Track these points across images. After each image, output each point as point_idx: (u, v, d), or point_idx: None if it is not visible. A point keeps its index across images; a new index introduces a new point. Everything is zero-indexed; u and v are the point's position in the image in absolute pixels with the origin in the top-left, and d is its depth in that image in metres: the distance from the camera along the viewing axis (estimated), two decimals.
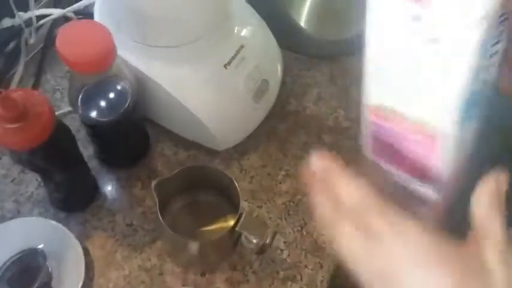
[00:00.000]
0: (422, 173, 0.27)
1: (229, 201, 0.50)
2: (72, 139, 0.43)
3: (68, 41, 0.38)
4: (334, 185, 0.28)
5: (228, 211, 0.51)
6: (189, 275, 0.50)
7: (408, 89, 0.25)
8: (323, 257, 0.52)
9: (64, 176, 0.45)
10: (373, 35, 0.24)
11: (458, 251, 0.25)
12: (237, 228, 0.45)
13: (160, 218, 0.44)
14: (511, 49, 0.23)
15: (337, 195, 0.28)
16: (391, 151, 0.28)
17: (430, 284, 0.25)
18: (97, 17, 0.48)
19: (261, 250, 0.47)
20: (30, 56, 0.58)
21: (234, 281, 0.50)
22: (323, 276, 0.52)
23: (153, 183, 0.44)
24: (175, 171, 0.47)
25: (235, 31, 0.52)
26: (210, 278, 0.50)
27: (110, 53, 0.39)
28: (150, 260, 0.51)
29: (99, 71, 0.40)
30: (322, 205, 0.28)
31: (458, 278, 0.24)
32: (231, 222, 0.49)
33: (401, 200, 0.26)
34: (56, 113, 0.56)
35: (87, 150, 0.55)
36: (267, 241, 0.45)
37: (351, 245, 0.27)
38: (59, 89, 0.59)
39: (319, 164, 0.29)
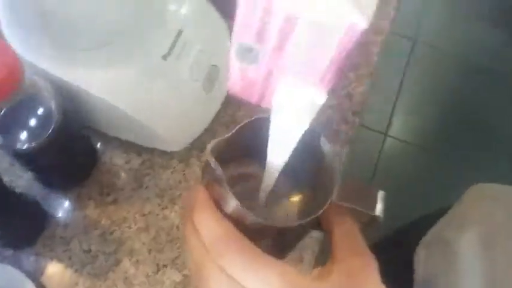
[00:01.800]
0: None
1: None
2: None
3: None
4: (194, 219, 0.27)
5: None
6: None
7: None
8: None
9: None
10: None
11: (323, 281, 0.25)
12: (334, 199, 0.29)
13: (230, 192, 0.27)
14: None
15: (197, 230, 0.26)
16: None
17: None
18: (3, 23, 0.40)
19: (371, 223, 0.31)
20: None
21: None
22: None
23: (210, 146, 0.28)
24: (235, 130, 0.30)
25: (169, 14, 0.44)
26: None
27: (15, 77, 0.32)
28: (116, 286, 0.46)
29: (4, 99, 0.33)
30: (190, 242, 0.27)
31: None
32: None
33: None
34: None
35: (26, 174, 0.49)
36: (378, 212, 0.29)
37: None
38: None
39: (186, 197, 0.28)
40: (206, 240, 0.26)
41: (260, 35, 0.25)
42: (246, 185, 0.34)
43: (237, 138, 0.30)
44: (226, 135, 0.29)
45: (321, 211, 0.28)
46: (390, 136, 1.57)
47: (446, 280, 0.46)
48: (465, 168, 1.47)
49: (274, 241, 0.31)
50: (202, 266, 0.26)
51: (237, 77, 0.29)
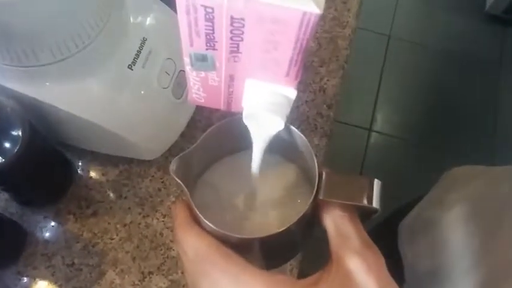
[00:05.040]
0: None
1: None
2: None
3: None
4: (177, 237, 0.27)
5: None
6: None
7: None
8: None
9: None
10: None
11: (317, 284, 0.24)
12: (321, 197, 0.26)
13: (202, 218, 0.26)
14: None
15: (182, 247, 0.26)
16: None
17: None
18: None
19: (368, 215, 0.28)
20: None
21: None
22: None
23: (173, 166, 0.27)
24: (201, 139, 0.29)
25: (131, 23, 0.45)
26: None
27: None
28: None
29: None
30: (181, 258, 0.27)
31: None
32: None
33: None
34: None
35: (1, 193, 0.49)
36: (374, 202, 0.26)
37: None
38: None
39: (173, 213, 0.28)
40: (191, 258, 0.25)
41: (210, 42, 0.24)
42: (235, 180, 0.32)
43: (207, 144, 0.29)
44: (189, 148, 0.28)
45: (301, 215, 0.26)
46: (374, 131, 1.58)
47: (431, 257, 0.47)
48: (448, 156, 1.49)
49: (265, 252, 0.29)
50: (196, 282, 0.26)
51: (199, 88, 0.28)
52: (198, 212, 0.26)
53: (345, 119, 1.56)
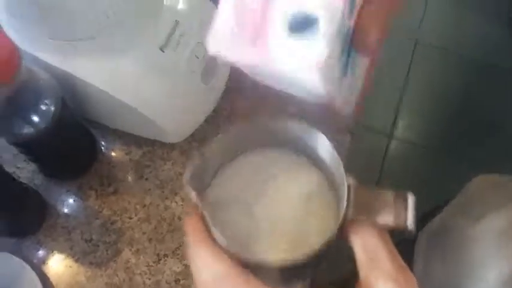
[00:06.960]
0: None
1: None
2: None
3: None
4: (191, 253, 0.25)
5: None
6: (162, 284, 0.46)
7: None
8: None
9: None
10: None
11: None
12: (350, 217, 0.24)
13: (222, 239, 0.24)
14: None
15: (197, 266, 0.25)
16: None
17: None
18: (1, 13, 0.41)
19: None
20: None
21: None
22: None
23: (187, 175, 0.25)
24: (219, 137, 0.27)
25: (165, 5, 0.45)
26: None
27: (10, 63, 0.32)
28: (117, 275, 0.46)
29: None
30: (194, 275, 0.25)
31: None
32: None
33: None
34: None
35: (29, 165, 0.50)
36: (409, 223, 0.23)
37: None
38: None
39: (186, 228, 0.26)
40: (207, 280, 0.24)
41: None
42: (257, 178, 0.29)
43: (221, 148, 0.28)
44: (202, 157, 0.26)
45: (328, 238, 0.23)
46: (395, 138, 1.56)
47: (448, 265, 0.46)
48: (472, 167, 1.46)
49: (281, 273, 0.26)
50: None
51: (229, 7, 0.23)
52: (216, 231, 0.24)
53: (364, 123, 1.54)
